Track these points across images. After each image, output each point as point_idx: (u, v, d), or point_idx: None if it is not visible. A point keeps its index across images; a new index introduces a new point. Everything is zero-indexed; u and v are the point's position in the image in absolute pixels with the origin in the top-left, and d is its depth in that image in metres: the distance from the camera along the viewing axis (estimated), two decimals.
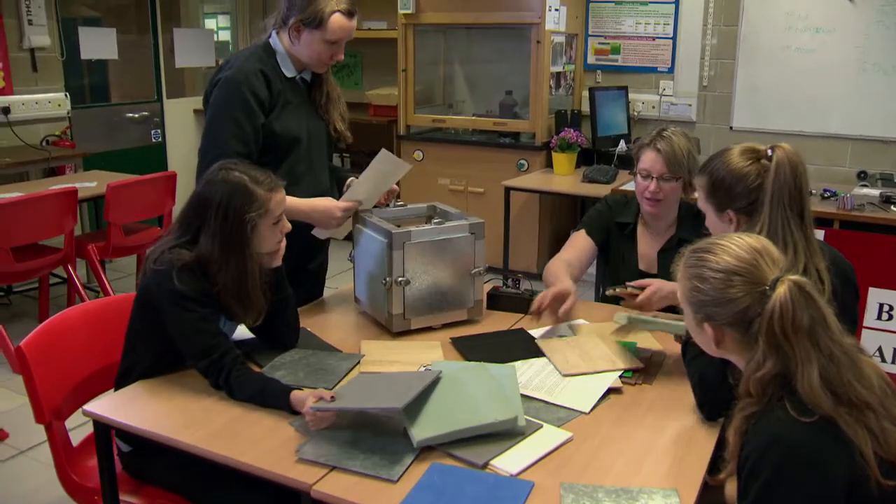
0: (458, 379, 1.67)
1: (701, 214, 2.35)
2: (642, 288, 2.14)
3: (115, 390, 1.90)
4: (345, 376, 1.85)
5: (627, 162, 4.70)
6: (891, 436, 1.25)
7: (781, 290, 1.29)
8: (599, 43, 5.17)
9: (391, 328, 2.12)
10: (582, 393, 1.78)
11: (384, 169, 2.19)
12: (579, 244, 2.51)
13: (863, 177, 4.38)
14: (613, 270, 2.52)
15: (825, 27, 4.40)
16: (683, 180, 2.34)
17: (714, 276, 1.36)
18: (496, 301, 2.31)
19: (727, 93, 4.79)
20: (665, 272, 2.23)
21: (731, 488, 1.61)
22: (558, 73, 4.99)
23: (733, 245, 1.38)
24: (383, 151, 2.16)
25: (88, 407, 1.72)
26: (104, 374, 2.04)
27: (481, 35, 5.46)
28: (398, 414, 1.54)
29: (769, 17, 4.54)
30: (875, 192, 3.60)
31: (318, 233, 2.24)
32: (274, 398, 1.68)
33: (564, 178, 4.69)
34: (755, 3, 4.57)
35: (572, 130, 4.67)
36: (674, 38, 4.90)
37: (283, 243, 1.92)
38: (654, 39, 4.97)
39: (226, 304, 1.81)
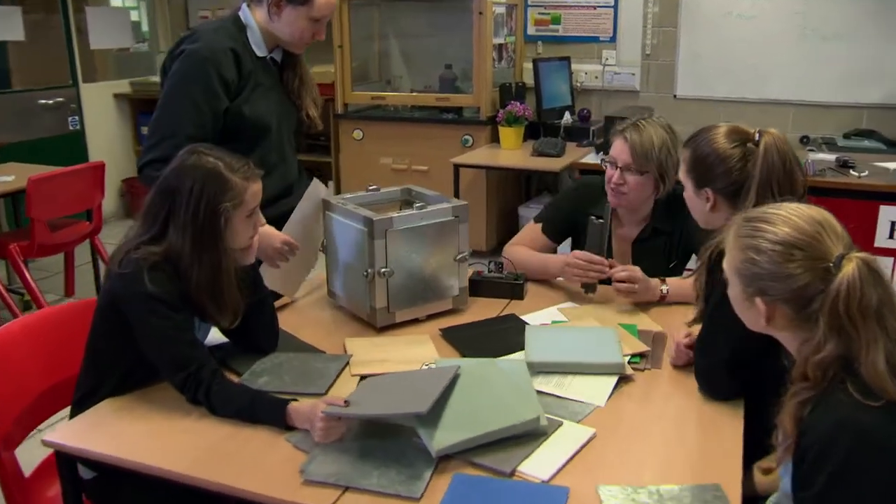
0: (470, 378, 1.53)
1: (676, 200, 2.28)
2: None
3: (74, 412, 1.69)
4: (335, 379, 1.69)
5: (574, 134, 4.64)
6: None
7: (849, 268, 1.19)
8: (539, 13, 5.06)
9: (375, 323, 1.96)
10: (593, 384, 1.67)
11: (316, 199, 2.07)
12: (536, 238, 2.39)
13: (805, 141, 4.42)
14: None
15: None
16: (652, 176, 2.21)
17: (772, 248, 1.26)
18: (480, 287, 2.18)
19: (670, 61, 4.76)
20: (640, 263, 2.16)
21: (760, 475, 1.54)
22: (500, 45, 4.86)
23: (794, 216, 1.28)
24: (315, 182, 2.07)
25: (49, 437, 1.50)
26: (56, 392, 1.83)
27: (417, 7, 5.27)
28: (421, 417, 1.40)
29: None
30: (830, 156, 3.62)
31: (269, 282, 1.92)
32: (265, 412, 1.51)
33: (512, 152, 4.58)
34: None
35: (518, 104, 4.55)
36: (615, 7, 4.83)
37: (257, 239, 1.74)
38: (595, 8, 4.89)
39: (200, 305, 1.62)
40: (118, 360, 1.65)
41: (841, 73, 4.35)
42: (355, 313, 2.05)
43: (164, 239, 1.60)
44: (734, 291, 1.37)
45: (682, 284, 2.15)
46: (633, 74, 4.88)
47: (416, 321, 2.03)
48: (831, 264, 1.22)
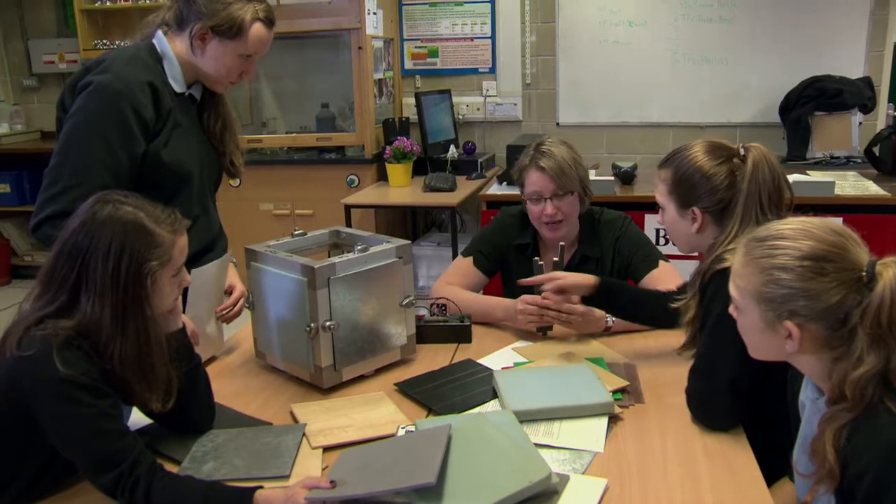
0: (463, 438, 1.34)
1: (596, 223, 2.21)
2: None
3: None
4: (296, 455, 1.45)
5: (461, 167, 4.55)
6: None
7: (890, 274, 1.11)
8: (416, 47, 4.97)
9: (321, 384, 1.73)
10: (584, 428, 1.52)
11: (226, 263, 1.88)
12: (468, 274, 2.26)
13: None
14: (516, 294, 2.26)
15: (637, 20, 4.53)
16: (577, 192, 2.15)
17: (799, 264, 1.16)
18: (424, 333, 1.98)
19: (551, 89, 4.79)
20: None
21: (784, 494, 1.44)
22: (380, 81, 4.72)
23: (811, 228, 1.20)
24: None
25: None
26: None
27: (287, 47, 5.04)
28: (424, 492, 1.19)
29: (584, 12, 4.60)
30: None
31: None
32: None
33: (402, 189, 4.42)
34: None
35: (405, 139, 4.42)
36: (493, 38, 4.82)
37: (179, 301, 1.48)
38: (472, 40, 4.87)
39: (125, 385, 1.33)
40: (21, 466, 1.33)
41: (712, 95, 4.53)
42: (293, 374, 1.81)
43: (75, 309, 1.31)
44: (750, 319, 1.26)
45: None
46: (515, 104, 4.88)
47: (362, 378, 1.81)
48: (864, 273, 1.14)
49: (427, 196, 4.22)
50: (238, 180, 2.02)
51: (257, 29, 1.75)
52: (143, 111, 1.67)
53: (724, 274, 1.51)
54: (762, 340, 1.26)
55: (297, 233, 1.94)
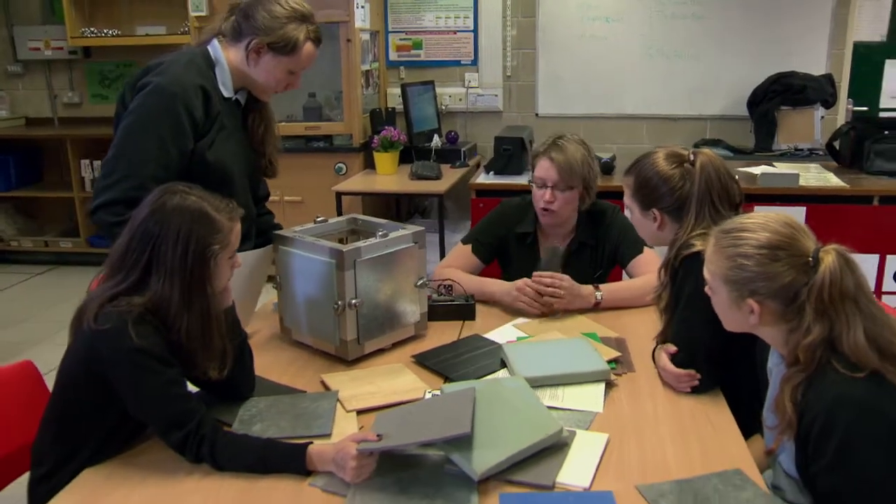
0: (485, 399, 1.54)
1: (598, 213, 2.42)
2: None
3: (37, 488, 1.53)
4: (334, 417, 1.64)
5: (445, 156, 4.73)
6: None
7: (829, 259, 1.35)
8: (401, 39, 5.14)
9: (346, 356, 1.92)
10: (585, 392, 1.74)
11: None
12: (466, 260, 2.45)
13: None
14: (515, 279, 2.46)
15: (614, 17, 4.75)
16: (578, 190, 2.35)
17: (758, 252, 1.40)
18: (434, 312, 2.18)
19: (530, 81, 4.99)
20: (567, 275, 2.23)
21: (757, 447, 1.66)
22: (367, 72, 4.88)
23: (768, 221, 1.43)
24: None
25: None
26: None
27: None
28: (454, 444, 1.39)
29: (563, 7, 4.80)
30: None
31: None
32: (282, 461, 1.44)
33: (389, 177, 4.60)
34: None
35: (392, 129, 4.59)
36: (475, 31, 5.00)
37: (231, 281, 1.66)
38: (455, 33, 5.04)
39: (189, 356, 1.51)
40: (96, 426, 1.51)
41: (685, 88, 4.77)
42: (319, 348, 1.99)
43: (146, 288, 1.48)
44: (721, 298, 1.50)
45: (615, 289, 2.29)
46: (496, 95, 5.08)
47: (381, 351, 2.00)
48: (810, 258, 1.37)
49: (414, 184, 4.39)
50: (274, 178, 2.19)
51: (308, 48, 1.94)
52: (195, 112, 1.84)
53: (693, 258, 1.75)
54: (731, 315, 1.50)
55: (319, 220, 2.12)
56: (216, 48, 1.95)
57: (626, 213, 2.00)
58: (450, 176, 4.45)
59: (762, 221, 1.43)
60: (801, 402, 1.36)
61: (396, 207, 5.45)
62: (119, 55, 5.43)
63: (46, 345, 3.94)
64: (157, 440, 1.53)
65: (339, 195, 4.36)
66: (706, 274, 1.52)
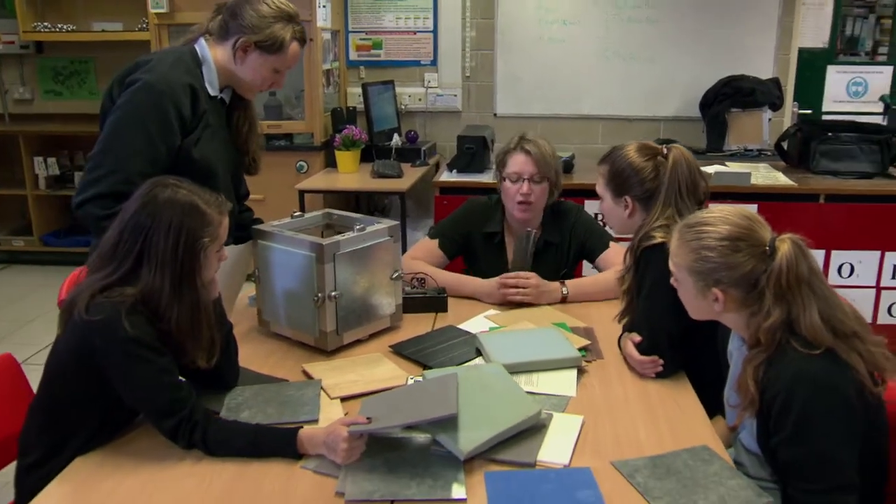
0: (466, 384, 1.61)
1: (560, 212, 2.52)
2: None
3: (26, 477, 1.55)
4: (319, 404, 1.69)
5: (405, 155, 4.78)
6: (875, 355, 1.48)
7: (785, 247, 1.46)
8: (361, 39, 5.18)
9: (325, 347, 1.97)
10: (558, 378, 1.82)
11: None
12: (432, 254, 2.51)
13: None
14: (483, 275, 2.47)
15: (571, 19, 4.86)
16: (550, 182, 2.43)
17: (720, 244, 1.50)
18: (408, 304, 2.24)
19: (489, 82, 5.08)
20: (535, 272, 2.34)
21: (719, 427, 1.77)
22: (327, 71, 4.91)
23: (728, 215, 1.54)
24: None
25: None
26: None
27: None
28: (440, 425, 1.46)
29: (521, 10, 4.90)
30: None
31: None
32: (274, 445, 1.49)
33: (351, 175, 4.63)
34: None
35: (354, 128, 4.63)
36: (434, 32, 5.07)
37: (217, 274, 1.69)
38: (415, 34, 5.10)
39: (179, 345, 1.55)
40: (86, 416, 1.53)
41: (640, 90, 4.91)
42: (298, 339, 2.04)
43: (137, 278, 1.52)
44: (686, 287, 1.60)
45: (581, 284, 2.38)
46: (455, 95, 5.15)
47: (358, 342, 2.06)
48: (767, 248, 1.48)
49: (376, 182, 4.44)
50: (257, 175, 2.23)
51: (294, 47, 1.98)
52: (183, 110, 1.87)
53: (653, 249, 1.86)
54: (697, 304, 1.60)
55: (295, 214, 2.17)
56: (203, 47, 1.98)
57: (598, 202, 2.09)
58: (411, 174, 4.51)
59: (722, 215, 1.54)
60: (763, 381, 1.47)
61: (356, 205, 5.49)
62: (73, 51, 5.35)
63: (5, 345, 3.88)
64: (147, 428, 1.56)
65: (301, 193, 4.38)
66: (672, 266, 1.62)
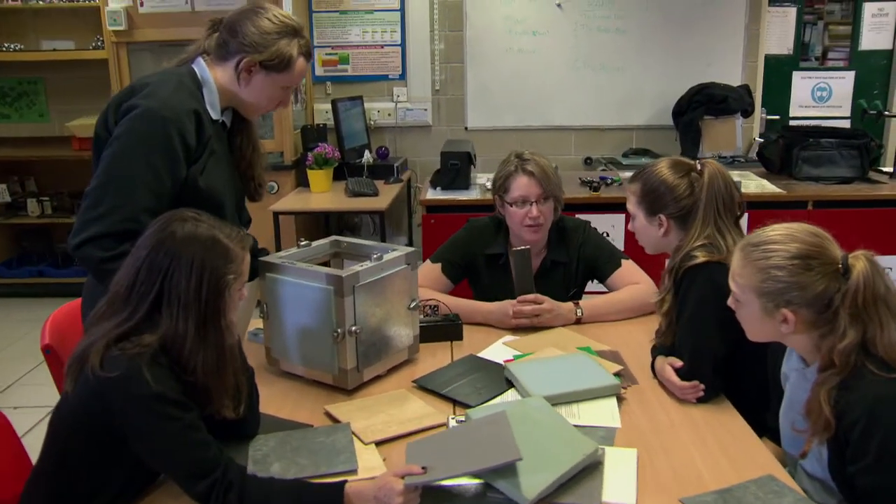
0: (516, 423, 1.51)
1: (564, 230, 2.44)
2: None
3: None
4: (354, 451, 1.57)
5: (377, 172, 4.67)
6: None
7: (861, 265, 1.40)
8: (327, 54, 5.06)
9: (345, 385, 1.85)
10: (599, 408, 1.74)
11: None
12: (436, 279, 2.41)
13: (589, 162, 4.91)
14: (487, 299, 2.38)
15: (540, 30, 4.84)
16: (555, 198, 2.35)
17: (790, 262, 1.43)
18: (423, 334, 2.13)
19: (459, 95, 5.02)
20: (543, 294, 2.25)
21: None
22: (294, 88, 4.76)
23: (794, 232, 1.47)
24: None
25: None
26: None
27: None
28: (499, 471, 1.36)
29: (490, 21, 4.85)
30: (626, 173, 4.05)
31: None
32: (317, 503, 1.36)
33: (324, 195, 4.50)
34: (476, 8, 4.84)
35: (326, 145, 4.50)
36: (402, 45, 4.98)
37: (235, 314, 1.56)
38: (382, 47, 5.01)
39: (204, 395, 1.41)
40: (104, 480, 1.39)
41: (611, 99, 4.91)
42: (314, 378, 1.91)
43: (155, 324, 1.38)
44: (750, 308, 1.53)
45: (597, 304, 2.31)
46: (425, 110, 5.07)
47: (378, 378, 1.95)
48: (840, 265, 1.42)
49: (353, 201, 4.32)
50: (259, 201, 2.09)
51: (301, 63, 1.83)
52: (188, 138, 1.71)
53: (696, 270, 1.79)
54: (761, 326, 1.53)
55: (302, 243, 2.04)
56: (202, 67, 1.82)
57: (630, 221, 2.03)
58: (386, 192, 4.41)
59: (788, 232, 1.47)
60: (839, 405, 1.40)
61: (326, 224, 5.35)
62: (22, 71, 5.09)
63: None
64: (170, 488, 1.42)
65: (276, 215, 4.23)
66: (733, 286, 1.54)
